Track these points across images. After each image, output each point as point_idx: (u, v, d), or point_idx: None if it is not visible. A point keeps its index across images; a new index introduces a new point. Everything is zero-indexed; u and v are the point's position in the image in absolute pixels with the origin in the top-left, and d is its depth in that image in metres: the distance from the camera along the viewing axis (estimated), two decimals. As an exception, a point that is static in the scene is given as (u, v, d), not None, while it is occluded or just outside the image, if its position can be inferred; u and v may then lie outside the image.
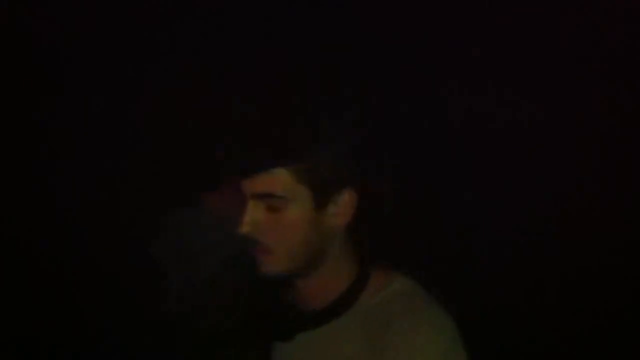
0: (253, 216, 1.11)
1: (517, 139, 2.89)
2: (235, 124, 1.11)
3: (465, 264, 2.72)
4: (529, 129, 2.89)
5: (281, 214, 1.09)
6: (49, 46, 3.19)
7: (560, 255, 2.79)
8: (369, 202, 1.14)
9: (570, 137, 2.85)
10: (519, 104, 2.88)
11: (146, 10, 2.98)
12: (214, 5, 3.04)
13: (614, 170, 2.83)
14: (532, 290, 2.79)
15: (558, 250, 2.78)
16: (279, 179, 1.08)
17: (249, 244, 1.13)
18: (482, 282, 2.66)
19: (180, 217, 2.44)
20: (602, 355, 2.62)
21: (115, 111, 3.23)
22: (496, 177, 2.85)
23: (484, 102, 2.88)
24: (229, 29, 3.08)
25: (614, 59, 2.89)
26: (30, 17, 3.15)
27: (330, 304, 1.16)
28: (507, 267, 2.76)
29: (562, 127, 2.88)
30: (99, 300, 3.11)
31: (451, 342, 1.11)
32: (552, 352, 2.65)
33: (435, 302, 1.15)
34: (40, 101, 3.24)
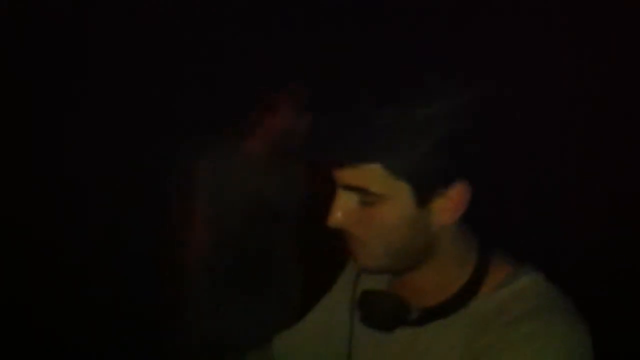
0: (343, 208, 0.98)
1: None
2: (332, 109, 0.97)
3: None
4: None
5: (376, 210, 0.96)
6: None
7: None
8: (483, 193, 0.98)
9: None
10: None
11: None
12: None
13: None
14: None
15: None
16: (374, 174, 0.94)
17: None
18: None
19: (218, 161, 2.48)
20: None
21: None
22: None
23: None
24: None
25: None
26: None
27: (441, 302, 1.02)
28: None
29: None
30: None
31: (577, 358, 0.93)
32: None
33: (571, 305, 0.98)
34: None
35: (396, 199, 0.95)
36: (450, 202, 0.96)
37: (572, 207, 2.99)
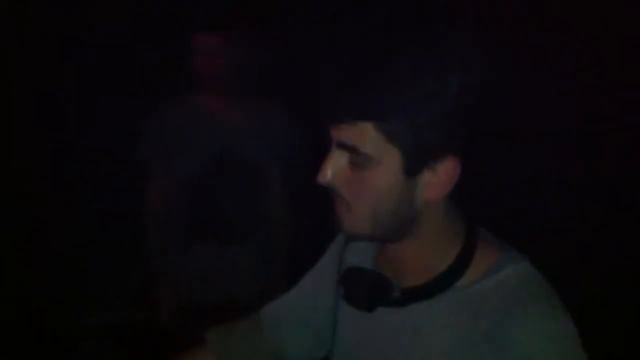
0: (334, 166, 0.96)
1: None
2: (331, 63, 0.93)
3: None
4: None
5: (365, 173, 0.94)
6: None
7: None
8: (473, 171, 0.95)
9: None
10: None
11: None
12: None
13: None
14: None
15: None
16: (366, 134, 0.92)
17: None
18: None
19: (164, 119, 2.43)
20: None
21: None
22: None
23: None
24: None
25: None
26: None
27: (424, 283, 1.00)
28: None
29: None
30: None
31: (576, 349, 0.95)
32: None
33: (555, 296, 0.98)
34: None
35: (385, 164, 0.93)
36: (439, 178, 0.94)
37: (569, 198, 3.00)
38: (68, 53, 3.18)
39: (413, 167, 0.93)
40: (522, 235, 1.24)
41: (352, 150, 0.93)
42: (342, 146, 0.95)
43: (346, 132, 0.93)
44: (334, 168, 0.96)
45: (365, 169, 0.94)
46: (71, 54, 3.19)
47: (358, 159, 0.93)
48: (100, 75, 3.24)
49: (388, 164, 0.93)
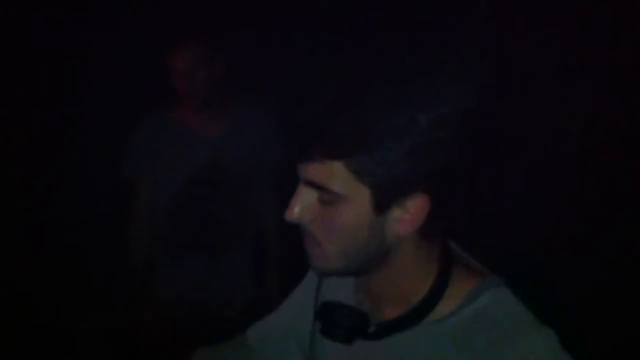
0: (302, 202, 0.96)
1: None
2: (301, 103, 0.93)
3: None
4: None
5: (334, 210, 0.94)
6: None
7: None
8: (443, 209, 0.95)
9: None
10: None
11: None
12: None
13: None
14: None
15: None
16: (335, 173, 0.92)
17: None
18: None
19: (148, 132, 2.44)
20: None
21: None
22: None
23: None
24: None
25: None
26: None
27: (399, 316, 1.00)
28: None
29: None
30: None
31: None
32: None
33: (535, 319, 0.98)
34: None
35: (355, 201, 0.92)
36: (408, 214, 0.94)
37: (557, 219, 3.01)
38: (52, 63, 3.22)
39: (382, 203, 0.93)
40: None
41: (321, 188, 0.93)
42: (311, 184, 0.95)
43: (314, 170, 0.93)
44: (302, 205, 0.96)
45: (334, 206, 0.93)
46: (55, 64, 3.23)
47: (327, 197, 0.93)
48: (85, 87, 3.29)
49: (357, 201, 0.92)
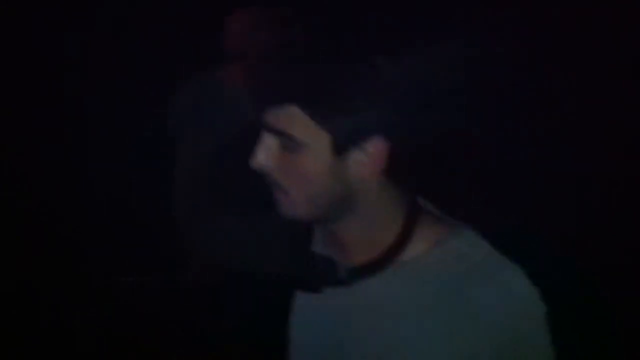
0: (266, 150, 0.98)
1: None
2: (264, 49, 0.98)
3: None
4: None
5: (297, 157, 0.96)
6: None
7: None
8: (405, 155, 0.97)
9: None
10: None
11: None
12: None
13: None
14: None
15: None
16: (294, 119, 0.94)
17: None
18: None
19: (192, 90, 2.51)
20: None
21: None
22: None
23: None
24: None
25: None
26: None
27: (369, 260, 1.02)
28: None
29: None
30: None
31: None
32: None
33: (506, 259, 1.00)
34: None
35: (315, 147, 0.94)
36: (369, 156, 0.95)
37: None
38: (83, 26, 3.24)
39: (342, 147, 0.95)
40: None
41: (282, 134, 0.95)
42: (273, 131, 0.97)
43: (274, 117, 0.95)
44: (265, 153, 0.98)
45: (296, 153, 0.95)
46: (86, 27, 3.25)
47: (288, 143, 0.95)
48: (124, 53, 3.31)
49: (318, 147, 0.94)
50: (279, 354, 1.12)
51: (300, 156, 0.96)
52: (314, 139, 0.94)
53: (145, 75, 3.25)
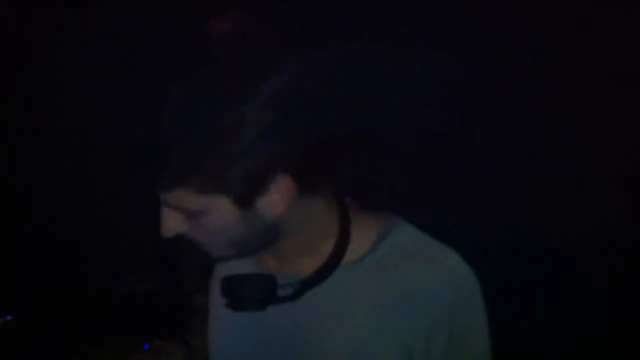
0: (170, 221, 0.97)
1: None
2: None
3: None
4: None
5: (201, 220, 0.94)
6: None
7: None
8: (316, 177, 0.95)
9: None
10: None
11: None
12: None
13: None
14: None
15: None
16: (184, 197, 0.92)
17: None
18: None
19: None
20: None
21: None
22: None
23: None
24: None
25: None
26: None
27: (313, 272, 1.01)
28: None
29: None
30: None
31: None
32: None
33: (443, 245, 1.04)
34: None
35: (216, 210, 0.92)
36: (276, 197, 0.92)
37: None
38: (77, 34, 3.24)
39: (244, 200, 0.92)
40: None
41: (179, 209, 0.94)
42: (170, 206, 0.95)
43: (167, 196, 0.93)
44: (170, 223, 0.97)
45: (199, 218, 0.94)
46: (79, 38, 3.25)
47: (187, 214, 0.94)
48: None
49: (219, 209, 0.92)
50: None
51: (205, 218, 0.94)
52: (212, 204, 0.92)
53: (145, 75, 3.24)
